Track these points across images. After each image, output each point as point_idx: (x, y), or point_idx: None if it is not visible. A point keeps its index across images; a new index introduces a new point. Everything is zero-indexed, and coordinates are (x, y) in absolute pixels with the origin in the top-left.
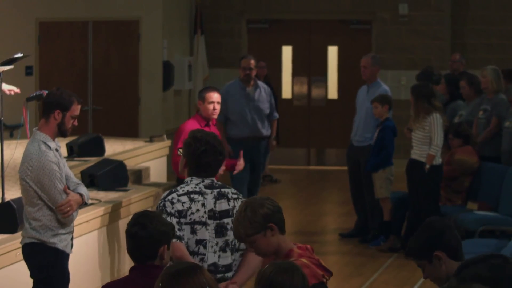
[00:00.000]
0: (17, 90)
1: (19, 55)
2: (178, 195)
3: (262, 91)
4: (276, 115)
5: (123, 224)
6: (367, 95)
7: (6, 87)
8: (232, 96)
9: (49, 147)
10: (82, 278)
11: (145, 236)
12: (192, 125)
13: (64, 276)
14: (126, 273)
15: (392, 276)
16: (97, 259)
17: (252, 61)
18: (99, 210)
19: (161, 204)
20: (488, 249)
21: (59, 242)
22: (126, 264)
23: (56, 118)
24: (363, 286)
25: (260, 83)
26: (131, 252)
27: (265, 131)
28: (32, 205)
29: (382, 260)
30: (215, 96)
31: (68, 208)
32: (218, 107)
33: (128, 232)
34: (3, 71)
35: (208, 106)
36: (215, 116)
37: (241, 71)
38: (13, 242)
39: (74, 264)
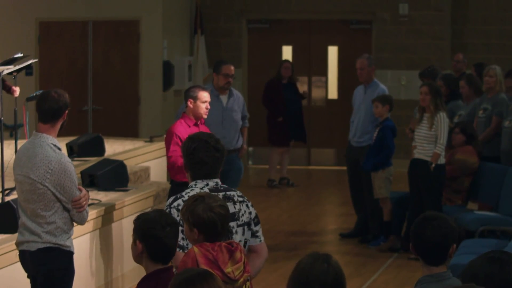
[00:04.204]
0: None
1: (19, 55)
2: (184, 201)
3: (236, 100)
4: (247, 122)
5: (123, 223)
6: (364, 96)
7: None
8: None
9: (59, 149)
10: (82, 278)
11: None
12: (180, 127)
13: (73, 278)
14: (127, 273)
15: (392, 276)
16: (98, 259)
17: (232, 68)
18: (99, 210)
19: (166, 211)
20: (488, 249)
21: (71, 245)
22: (129, 263)
23: (64, 118)
24: (363, 286)
25: (234, 91)
26: None
27: (236, 143)
28: (48, 208)
29: (382, 260)
30: (207, 96)
31: (84, 203)
32: (209, 107)
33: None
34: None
35: (201, 105)
36: (206, 116)
37: (222, 78)
38: (13, 242)
39: (75, 264)
